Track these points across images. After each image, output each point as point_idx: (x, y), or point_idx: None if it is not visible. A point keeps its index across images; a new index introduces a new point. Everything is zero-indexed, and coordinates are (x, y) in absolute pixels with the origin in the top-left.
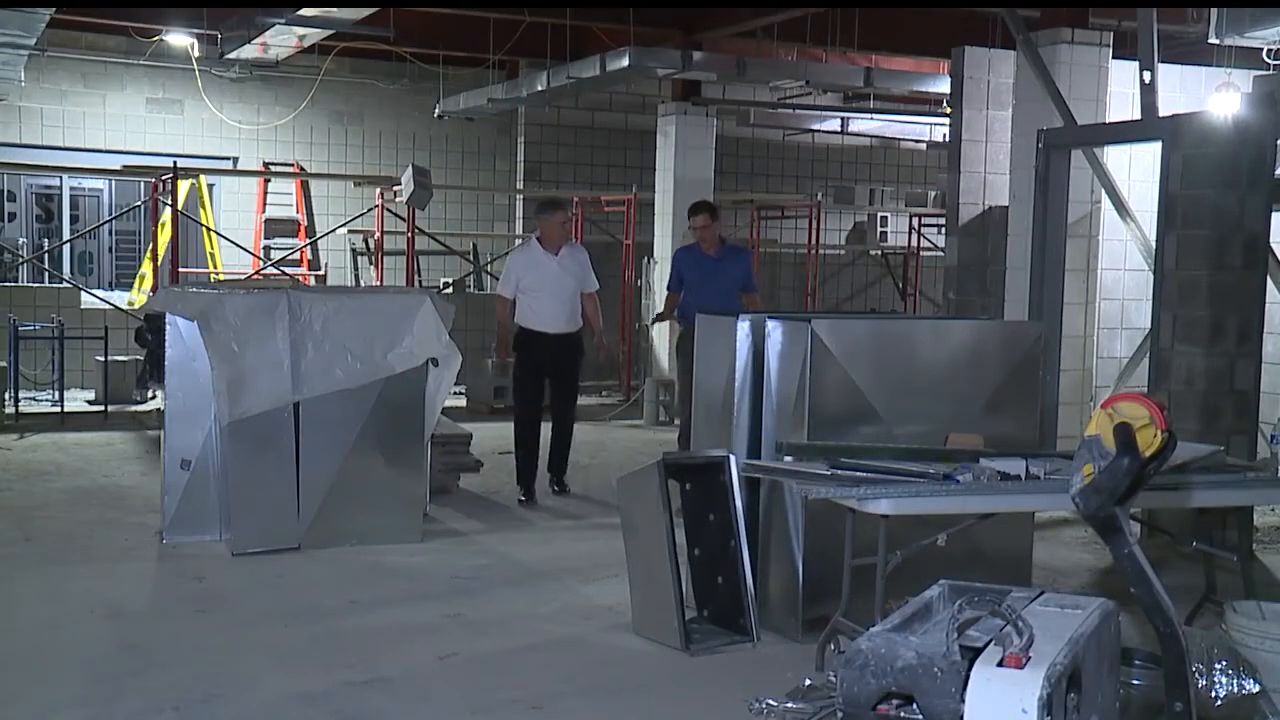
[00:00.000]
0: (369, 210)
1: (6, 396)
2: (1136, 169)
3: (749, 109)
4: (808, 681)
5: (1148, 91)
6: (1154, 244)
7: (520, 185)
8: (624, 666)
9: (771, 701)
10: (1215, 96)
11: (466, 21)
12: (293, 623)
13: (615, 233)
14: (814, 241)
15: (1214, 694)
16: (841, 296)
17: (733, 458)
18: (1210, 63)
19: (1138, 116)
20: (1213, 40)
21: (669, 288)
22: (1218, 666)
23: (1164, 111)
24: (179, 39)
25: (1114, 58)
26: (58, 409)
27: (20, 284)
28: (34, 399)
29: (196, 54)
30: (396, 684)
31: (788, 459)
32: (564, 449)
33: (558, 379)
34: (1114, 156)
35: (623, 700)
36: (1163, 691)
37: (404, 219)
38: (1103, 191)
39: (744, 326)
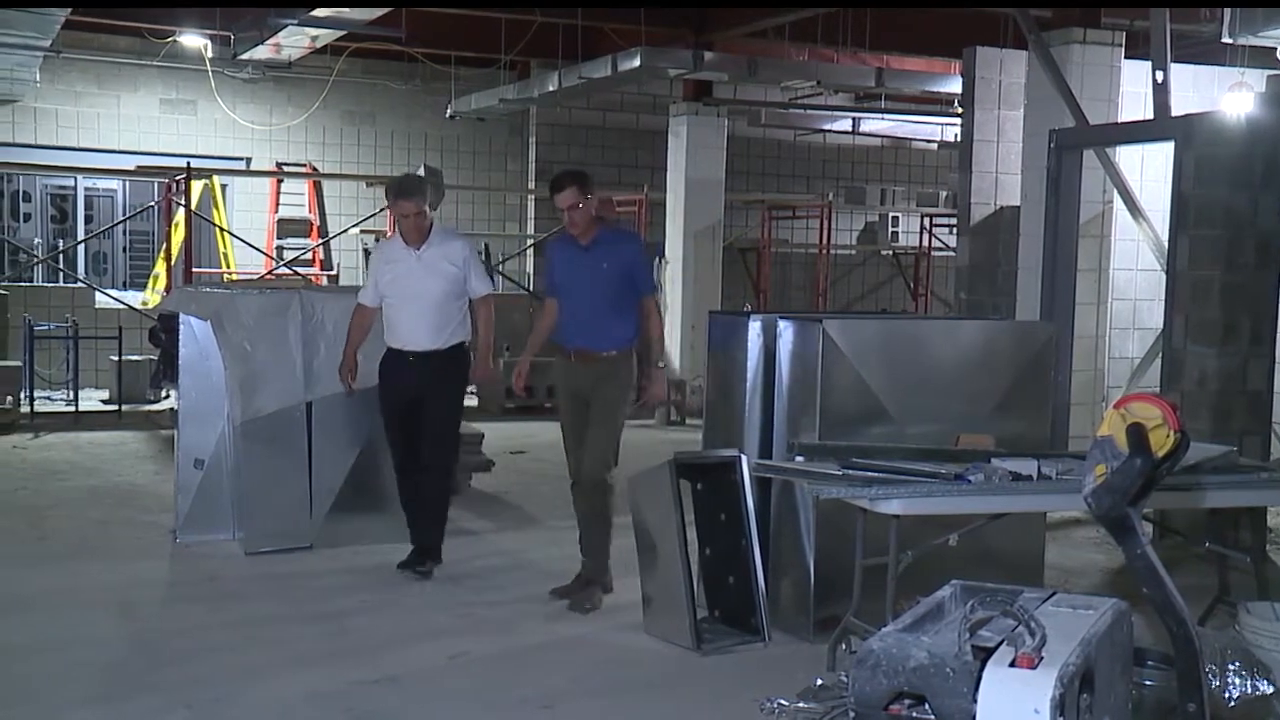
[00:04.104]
0: (381, 210)
1: (22, 396)
2: (1149, 169)
3: (760, 109)
4: (819, 681)
5: (1160, 91)
6: (1166, 244)
7: (532, 185)
8: (635, 666)
9: (783, 701)
10: (1228, 96)
11: (478, 22)
12: (304, 621)
13: None
14: (825, 241)
15: (1227, 695)
16: (853, 296)
17: (744, 457)
18: (1223, 62)
19: (1150, 116)
20: (1226, 40)
21: (545, 292)
22: (1231, 667)
23: (1176, 111)
24: (192, 40)
25: (1126, 58)
26: (72, 408)
27: (35, 284)
28: (49, 398)
29: (210, 55)
30: (407, 683)
31: (799, 459)
32: (427, 511)
33: (421, 413)
34: (1126, 156)
35: (633, 699)
36: (1175, 692)
37: None
38: (1115, 191)
39: (755, 326)
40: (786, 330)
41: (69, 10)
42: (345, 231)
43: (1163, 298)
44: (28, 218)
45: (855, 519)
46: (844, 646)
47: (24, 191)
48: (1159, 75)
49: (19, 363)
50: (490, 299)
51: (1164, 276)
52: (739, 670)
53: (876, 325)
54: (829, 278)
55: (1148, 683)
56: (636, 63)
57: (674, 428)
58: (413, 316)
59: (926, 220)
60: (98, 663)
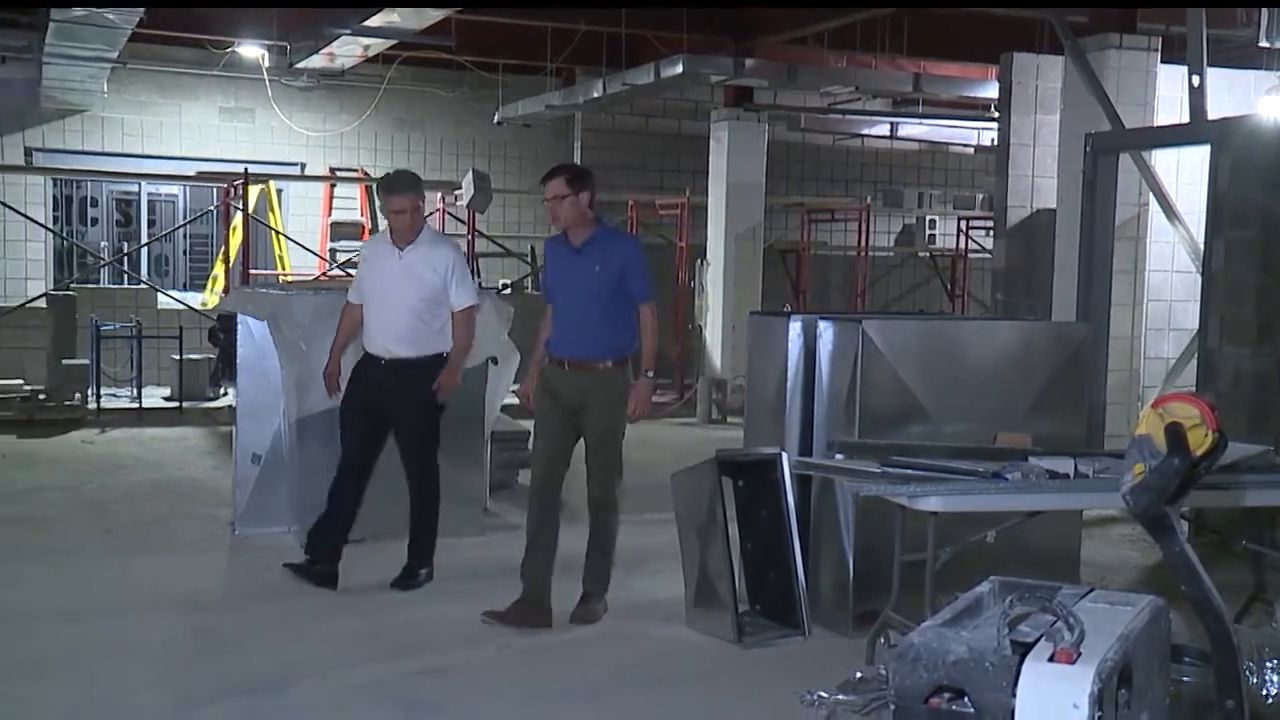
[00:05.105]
0: (430, 214)
1: (89, 392)
2: (1184, 172)
3: (800, 114)
4: (859, 674)
5: (1196, 95)
6: (1201, 246)
7: None
8: (677, 658)
9: (823, 693)
10: (1264, 100)
11: (525, 30)
12: (356, 613)
13: (669, 235)
14: (863, 244)
15: (1265, 692)
16: (891, 297)
17: (785, 455)
18: (1260, 66)
19: (1186, 120)
20: (1262, 44)
21: (545, 298)
22: (1269, 665)
23: (1212, 115)
24: (250, 50)
25: (1162, 62)
26: (136, 405)
27: (101, 285)
28: (114, 395)
29: (267, 64)
30: (455, 674)
31: (839, 456)
32: (420, 522)
33: (393, 423)
34: (1162, 159)
35: (676, 691)
36: (1213, 689)
37: (464, 222)
38: (1150, 194)
39: (796, 327)
40: (826, 330)
41: (137, 19)
42: None
43: (1198, 299)
44: (95, 222)
45: (894, 516)
46: (883, 640)
47: (91, 197)
48: (1195, 79)
49: (86, 361)
50: (471, 311)
51: (1199, 278)
52: (779, 663)
53: (914, 326)
54: (867, 279)
55: (1185, 679)
56: (679, 70)
57: (715, 426)
58: (384, 321)
59: (963, 223)
60: (160, 650)
